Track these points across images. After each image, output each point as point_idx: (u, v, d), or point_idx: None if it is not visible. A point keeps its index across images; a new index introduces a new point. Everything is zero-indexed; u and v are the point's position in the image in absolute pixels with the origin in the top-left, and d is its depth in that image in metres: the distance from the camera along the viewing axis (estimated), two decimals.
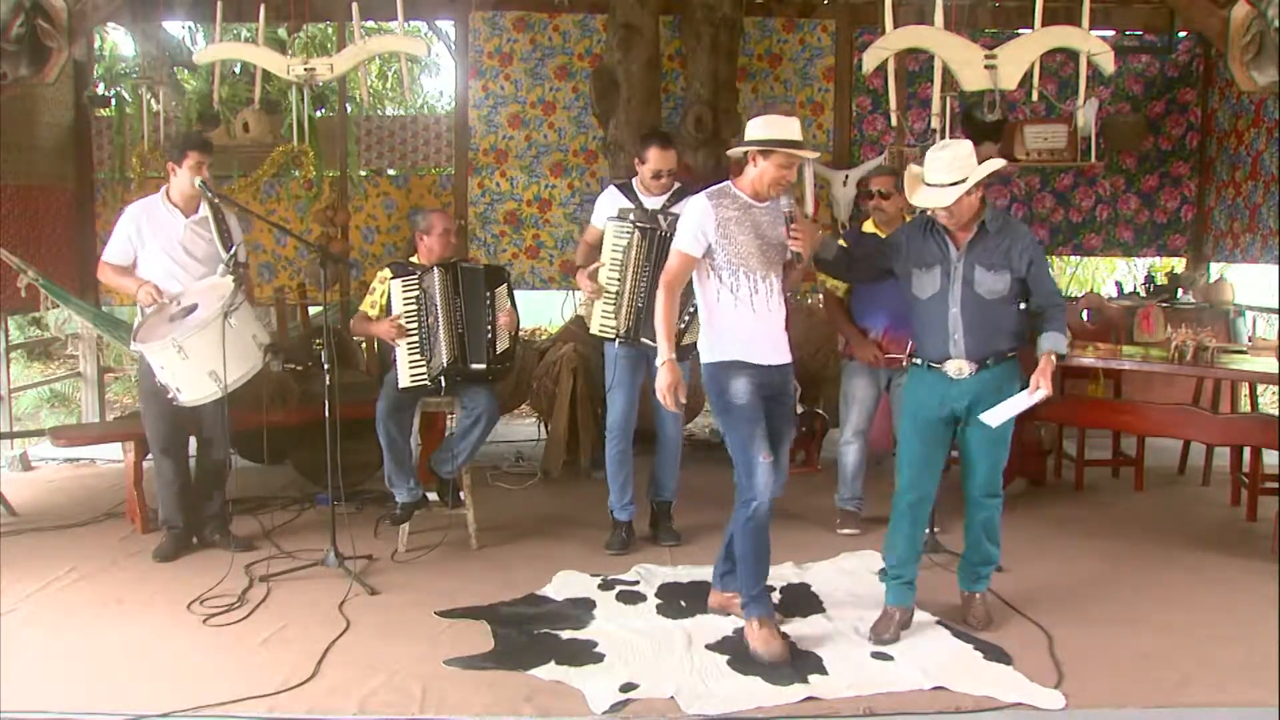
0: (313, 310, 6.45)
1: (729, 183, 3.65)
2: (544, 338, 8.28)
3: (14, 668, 3.38)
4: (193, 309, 4.26)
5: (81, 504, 5.43)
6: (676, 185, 4.54)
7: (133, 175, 6.56)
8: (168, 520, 4.60)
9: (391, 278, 4.55)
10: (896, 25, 4.74)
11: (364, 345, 6.35)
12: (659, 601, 4.01)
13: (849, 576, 4.32)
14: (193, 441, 4.71)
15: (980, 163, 3.59)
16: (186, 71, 8.56)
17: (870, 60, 4.78)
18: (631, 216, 4.49)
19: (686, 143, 6.19)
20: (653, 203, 4.53)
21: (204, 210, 4.53)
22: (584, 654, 3.51)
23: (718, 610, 3.86)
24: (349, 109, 7.40)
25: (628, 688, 3.24)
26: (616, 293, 4.50)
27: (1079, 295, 7.62)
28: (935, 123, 5.08)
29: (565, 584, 4.20)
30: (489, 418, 4.60)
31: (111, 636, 3.69)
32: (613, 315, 4.51)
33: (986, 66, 4.62)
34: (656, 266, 4.35)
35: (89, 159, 7.08)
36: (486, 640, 3.62)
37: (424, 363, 4.50)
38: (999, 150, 6.50)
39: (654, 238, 4.42)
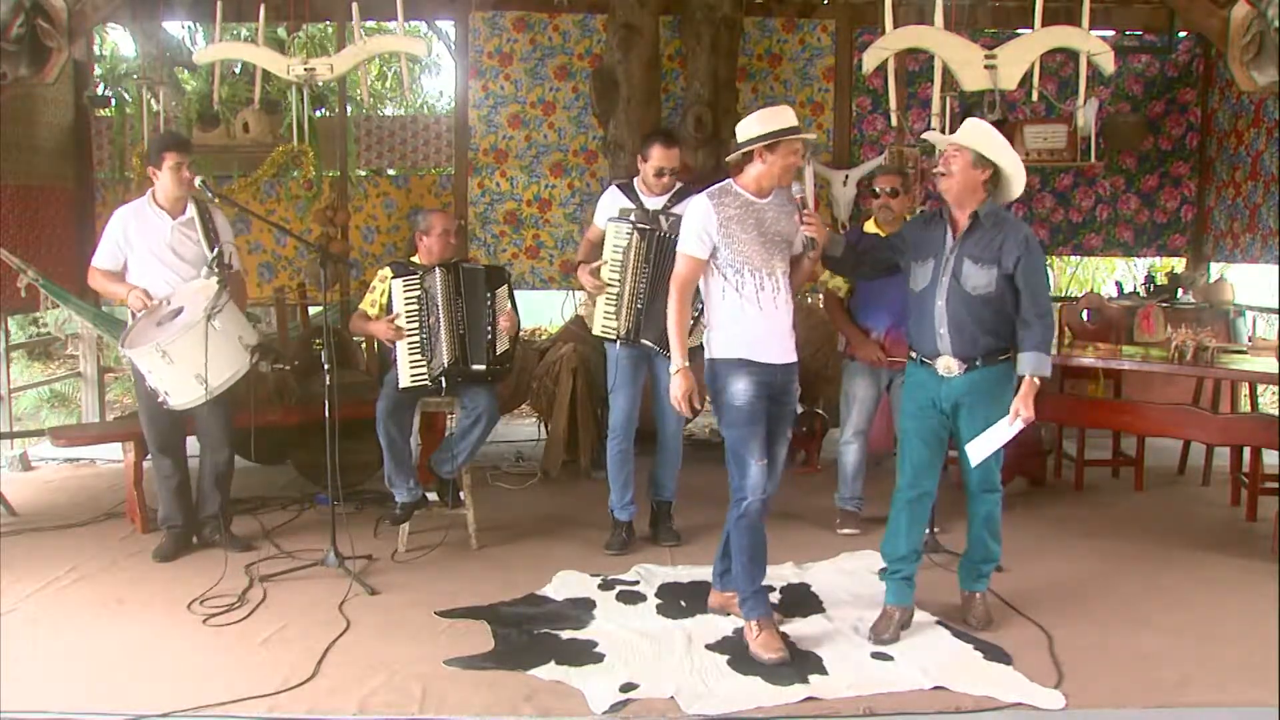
0: (313, 310, 6.45)
1: (730, 181, 3.64)
2: (544, 338, 8.28)
3: (14, 668, 3.38)
4: (179, 312, 4.25)
5: (81, 504, 5.43)
6: (678, 185, 4.54)
7: (133, 175, 6.56)
8: (167, 520, 4.61)
9: (393, 277, 4.55)
10: (896, 25, 4.74)
11: (364, 345, 6.34)
12: (659, 601, 4.01)
13: (849, 576, 4.32)
14: (193, 441, 4.71)
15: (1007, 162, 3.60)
16: (186, 71, 8.56)
17: (870, 60, 4.78)
18: (632, 217, 4.49)
19: (687, 143, 6.17)
20: (653, 203, 4.52)
21: (191, 211, 4.52)
22: (584, 654, 3.51)
23: (718, 610, 3.86)
24: (349, 109, 7.40)
25: (628, 688, 3.24)
26: (617, 294, 4.50)
27: (1079, 295, 7.63)
28: (935, 123, 5.08)
29: (565, 584, 4.20)
30: (489, 418, 4.60)
31: (111, 636, 3.69)
32: (614, 316, 4.51)
33: (986, 66, 4.62)
34: (656, 267, 4.35)
35: (89, 159, 7.08)
36: (486, 640, 3.63)
37: (425, 363, 4.49)
38: None
39: (653, 238, 4.41)
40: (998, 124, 6.09)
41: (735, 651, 3.52)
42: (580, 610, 3.91)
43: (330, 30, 8.92)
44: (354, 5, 5.30)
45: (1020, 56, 4.65)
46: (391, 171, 7.78)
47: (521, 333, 5.22)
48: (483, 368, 4.56)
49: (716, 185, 3.64)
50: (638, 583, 4.22)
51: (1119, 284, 8.04)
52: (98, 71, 7.97)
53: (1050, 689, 3.23)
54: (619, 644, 3.59)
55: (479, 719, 3.09)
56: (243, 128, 6.63)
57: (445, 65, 11.68)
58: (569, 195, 7.22)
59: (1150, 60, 7.45)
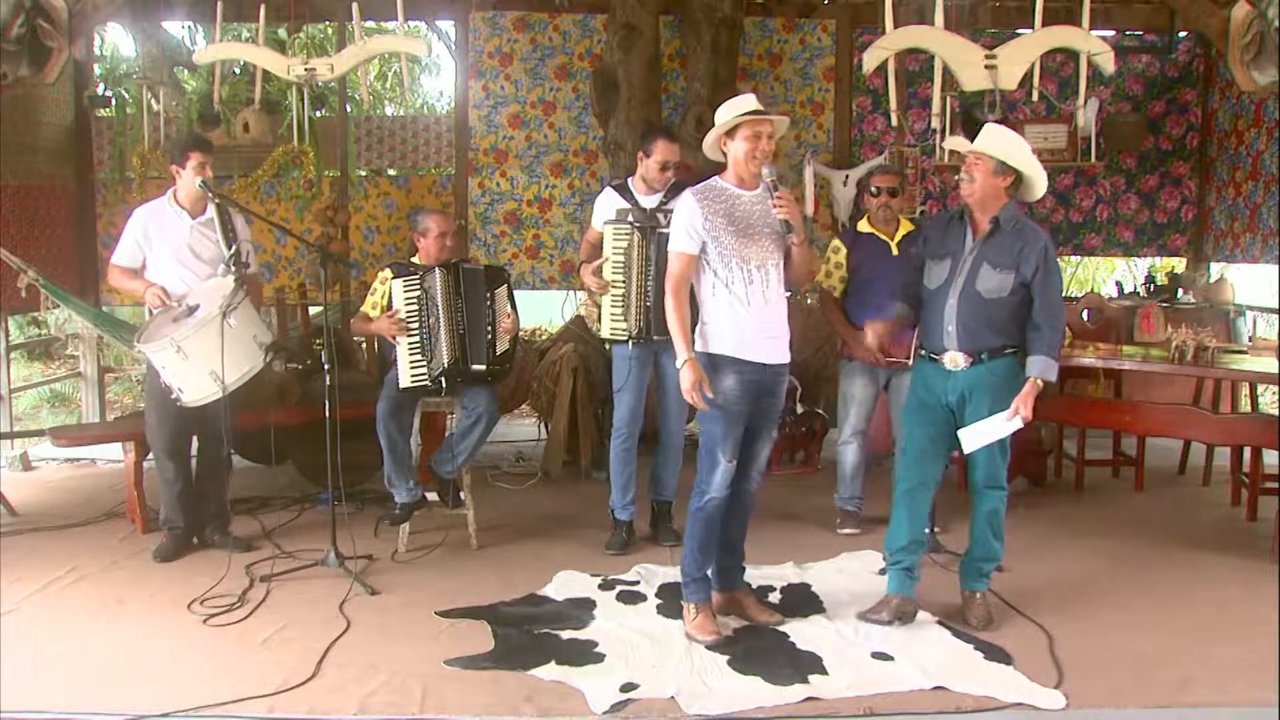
0: (313, 310, 6.45)
1: (716, 177, 3.65)
2: (544, 338, 8.28)
3: (14, 668, 3.38)
4: (195, 309, 4.27)
5: (81, 504, 5.43)
6: (673, 181, 4.55)
7: (133, 175, 6.56)
8: (169, 520, 4.60)
9: (393, 278, 4.55)
10: (896, 25, 4.74)
11: (364, 345, 6.34)
12: (659, 601, 4.01)
13: (849, 576, 4.32)
14: (193, 441, 4.71)
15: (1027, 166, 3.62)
16: (186, 71, 8.56)
17: (870, 60, 4.78)
18: (630, 218, 4.50)
19: (687, 143, 6.16)
20: (649, 201, 4.53)
21: (211, 211, 4.54)
22: (584, 654, 3.51)
23: (718, 609, 3.86)
24: (349, 109, 7.40)
25: (628, 688, 3.24)
26: (623, 294, 4.50)
27: (1079, 295, 7.63)
28: (935, 123, 5.09)
29: (565, 584, 4.20)
30: (489, 418, 4.60)
31: (111, 636, 3.68)
32: (622, 317, 4.52)
33: (986, 66, 4.63)
34: (659, 264, 4.36)
35: (89, 159, 7.09)
36: (487, 640, 3.62)
37: (425, 363, 4.49)
38: None
39: (653, 235, 4.43)
40: (997, 124, 6.09)
41: (735, 651, 3.52)
42: (580, 610, 3.91)
43: (330, 30, 8.93)
44: (354, 5, 5.30)
45: (1020, 56, 4.65)
46: (391, 171, 7.78)
47: (521, 333, 5.22)
48: (483, 368, 4.56)
49: (703, 182, 3.66)
50: (638, 583, 4.22)
51: (1119, 284, 8.05)
52: (98, 71, 7.97)
53: (1050, 689, 3.23)
54: (619, 644, 3.59)
55: (479, 719, 3.09)
56: (243, 128, 6.63)
57: (445, 65, 11.68)
58: (569, 195, 7.23)
59: (1150, 60, 7.45)
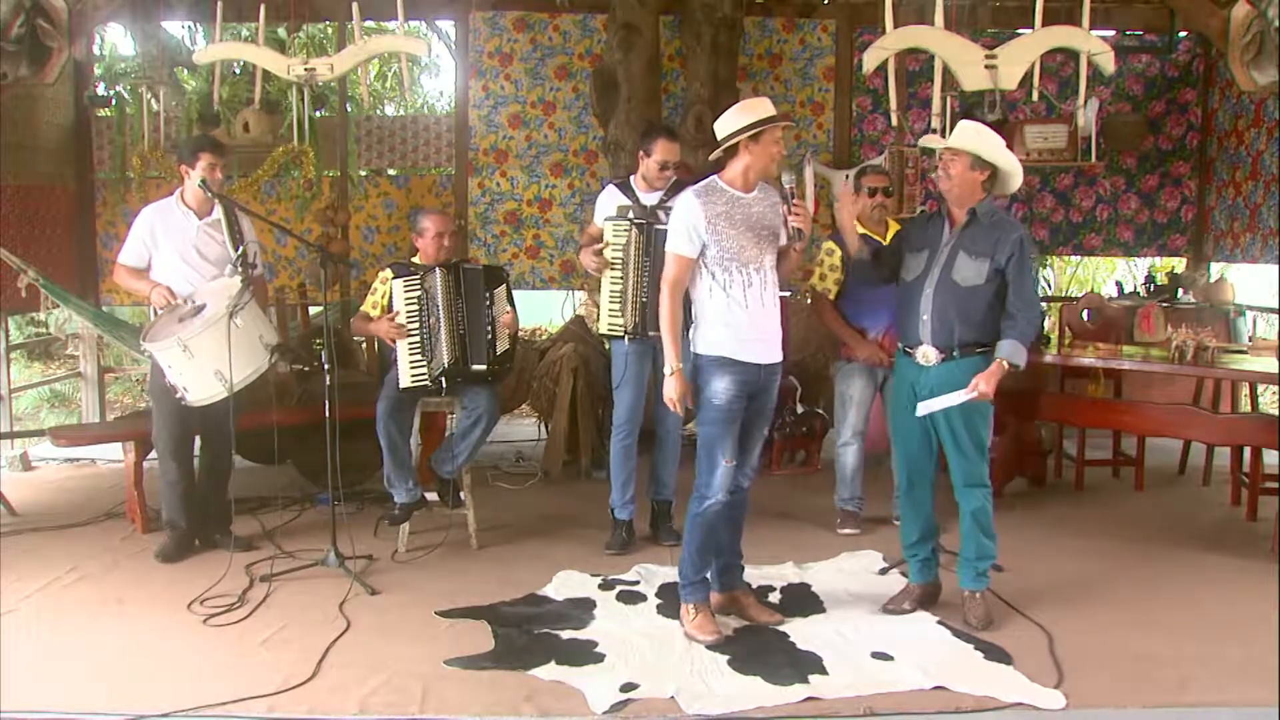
0: (313, 310, 6.45)
1: (715, 177, 3.64)
2: (544, 338, 8.28)
3: (14, 668, 3.38)
4: (202, 309, 4.27)
5: (81, 504, 5.43)
6: (674, 180, 4.55)
7: (133, 175, 6.56)
8: (171, 521, 4.59)
9: (393, 278, 4.55)
10: (896, 25, 4.74)
11: (364, 345, 6.34)
12: (659, 601, 4.01)
13: (849, 576, 4.32)
14: (195, 441, 4.71)
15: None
16: (186, 71, 8.56)
17: (870, 60, 4.78)
18: (630, 214, 4.51)
19: (687, 142, 6.18)
20: (649, 198, 4.53)
21: (218, 212, 4.53)
22: (584, 654, 3.51)
23: (718, 610, 3.86)
24: (349, 109, 7.40)
25: (628, 688, 3.24)
26: (621, 291, 4.51)
27: (1079, 295, 7.63)
28: (935, 123, 5.08)
29: (565, 584, 4.20)
30: (489, 418, 4.60)
31: (111, 636, 3.68)
32: (619, 313, 4.53)
33: (986, 66, 4.62)
34: (657, 260, 4.36)
35: (89, 159, 7.09)
36: (487, 640, 3.62)
37: (425, 363, 4.49)
38: None
39: (651, 232, 4.44)
40: (998, 124, 6.13)
41: (735, 651, 3.52)
42: (580, 610, 3.91)
43: (330, 30, 8.93)
44: (354, 5, 5.30)
45: (1020, 56, 4.65)
46: (391, 171, 7.78)
47: (521, 333, 5.22)
48: (483, 368, 4.56)
49: (701, 183, 3.65)
50: (638, 583, 4.22)
51: (1119, 284, 8.04)
52: (98, 71, 7.97)
53: (1050, 689, 3.23)
54: (619, 644, 3.59)
55: (479, 719, 3.09)
56: (243, 128, 6.63)
57: (445, 65, 11.68)
58: (569, 195, 7.23)
59: (1150, 60, 7.45)
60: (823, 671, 3.37)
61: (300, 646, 3.56)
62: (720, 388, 3.54)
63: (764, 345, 3.61)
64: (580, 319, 6.63)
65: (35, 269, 5.47)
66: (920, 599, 3.91)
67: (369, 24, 7.42)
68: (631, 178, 4.66)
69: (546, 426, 6.20)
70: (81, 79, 6.88)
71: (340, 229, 6.54)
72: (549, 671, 3.36)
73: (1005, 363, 3.61)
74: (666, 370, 3.57)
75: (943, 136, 5.11)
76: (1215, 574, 4.35)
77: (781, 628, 3.73)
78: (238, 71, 7.46)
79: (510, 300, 4.70)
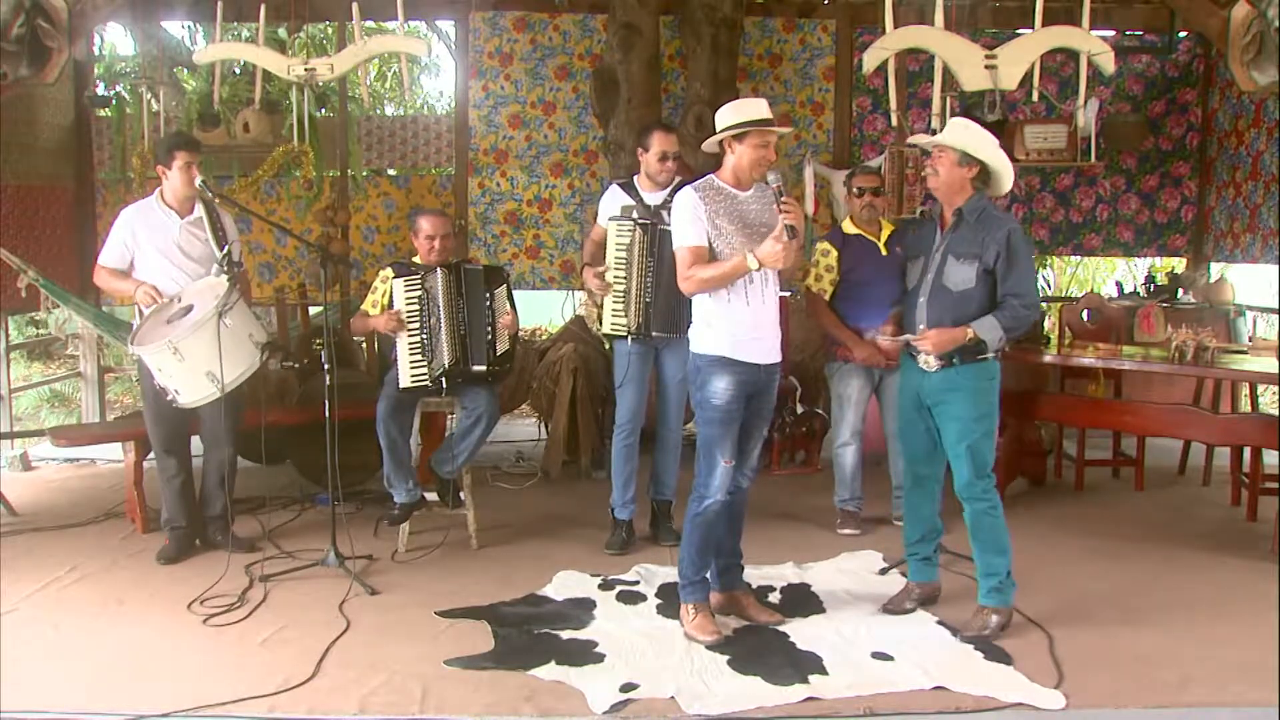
0: (313, 310, 6.45)
1: (712, 176, 3.64)
2: (544, 338, 8.28)
3: (14, 668, 3.38)
4: (189, 310, 4.26)
5: (81, 504, 5.43)
6: (677, 179, 4.55)
7: (133, 175, 6.55)
8: (171, 521, 4.59)
9: (394, 277, 4.55)
10: (896, 25, 4.74)
11: (364, 345, 6.34)
12: (659, 601, 4.01)
13: (849, 576, 4.32)
14: (195, 441, 4.70)
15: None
16: (186, 71, 8.57)
17: (870, 60, 4.78)
18: (634, 214, 4.51)
19: (687, 142, 6.18)
20: (653, 198, 4.53)
21: (199, 211, 4.52)
22: (584, 654, 3.51)
23: (718, 610, 3.86)
24: (349, 109, 7.40)
25: (628, 688, 3.24)
26: (624, 291, 4.52)
27: (1079, 295, 7.62)
28: (935, 123, 5.08)
29: (565, 584, 4.20)
30: (489, 418, 4.60)
31: (111, 636, 3.69)
32: (623, 313, 4.53)
33: (986, 66, 4.62)
34: (661, 261, 4.37)
35: (89, 159, 7.08)
36: (487, 640, 3.62)
37: (425, 363, 4.49)
38: None
39: (655, 233, 4.43)
40: (998, 124, 6.14)
41: (735, 652, 3.52)
42: (580, 610, 3.91)
43: (330, 30, 8.93)
44: (354, 5, 5.30)
45: (1020, 56, 4.65)
46: (392, 171, 7.78)
47: (521, 333, 5.22)
48: (483, 368, 4.56)
49: (699, 180, 3.65)
50: (638, 583, 4.22)
51: (1119, 284, 8.04)
52: (98, 71, 7.97)
53: (1050, 689, 3.23)
54: (619, 644, 3.59)
55: (479, 719, 3.09)
56: (243, 128, 6.63)
57: (445, 65, 11.69)
58: (569, 195, 7.22)
59: (1150, 60, 7.45)
60: (823, 671, 3.37)
61: (300, 646, 3.56)
62: (719, 388, 3.54)
63: (763, 345, 3.60)
64: (580, 319, 6.63)
65: (35, 269, 5.47)
66: (921, 598, 3.92)
67: (369, 24, 7.43)
68: (635, 178, 4.66)
69: (546, 426, 6.20)
70: (81, 79, 6.87)
71: (340, 229, 6.53)
72: (549, 671, 3.36)
73: (971, 331, 3.56)
74: (760, 252, 3.44)
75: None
76: (1215, 574, 4.35)
77: (781, 628, 3.73)
78: (238, 71, 7.48)
79: (511, 301, 4.70)
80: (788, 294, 3.76)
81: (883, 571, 4.37)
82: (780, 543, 4.68)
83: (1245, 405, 6.22)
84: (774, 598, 4.05)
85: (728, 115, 3.57)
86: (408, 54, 5.52)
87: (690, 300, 3.68)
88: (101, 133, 7.14)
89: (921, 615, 3.85)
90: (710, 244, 3.54)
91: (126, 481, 5.00)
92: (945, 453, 3.76)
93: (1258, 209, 6.91)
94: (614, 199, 4.64)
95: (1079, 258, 9.92)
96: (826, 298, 4.95)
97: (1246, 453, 5.18)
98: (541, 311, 9.44)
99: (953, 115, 5.91)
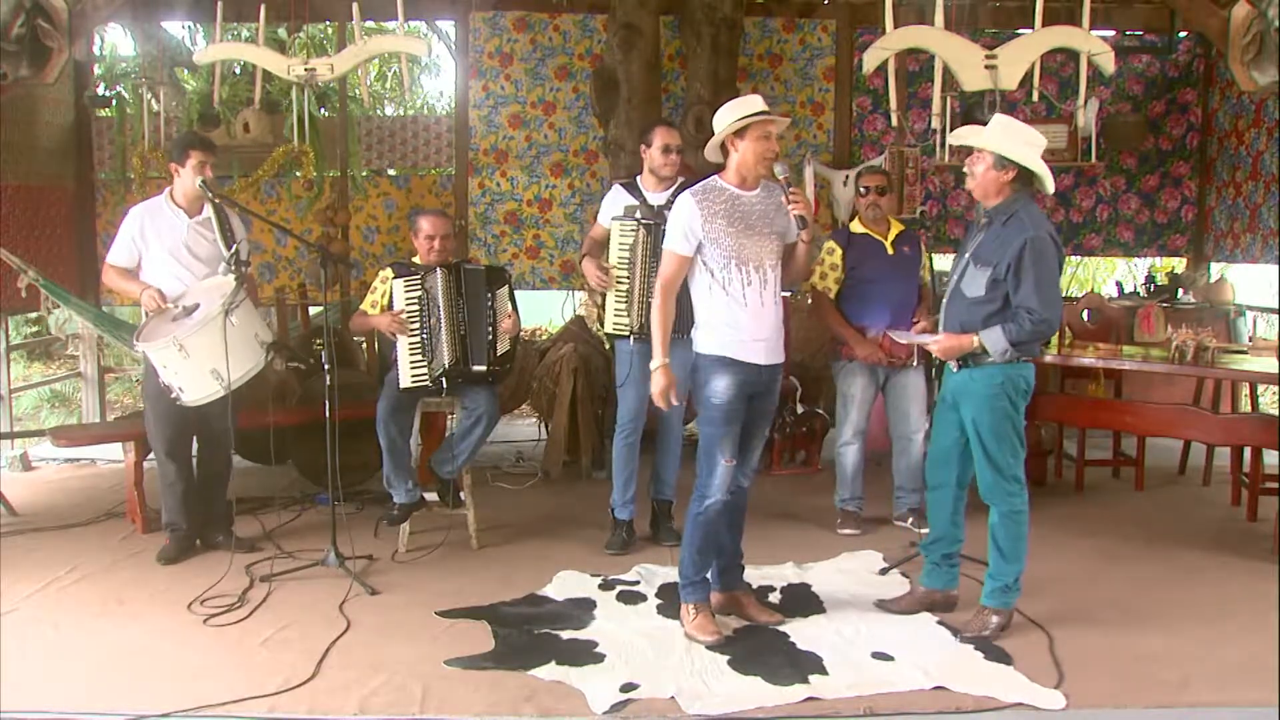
0: (313, 310, 6.45)
1: (715, 177, 3.64)
2: (544, 338, 8.28)
3: (14, 668, 3.38)
4: (195, 308, 4.26)
5: (81, 504, 5.43)
6: (680, 179, 4.55)
7: (133, 175, 6.56)
8: (171, 523, 4.58)
9: (394, 278, 4.55)
10: (896, 25, 4.74)
11: (364, 345, 6.34)
12: (659, 601, 4.01)
13: (849, 576, 4.32)
14: (195, 442, 4.70)
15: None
16: (186, 71, 8.56)
17: (870, 60, 4.78)
18: (637, 214, 4.51)
19: (687, 142, 6.16)
20: (657, 198, 4.53)
21: (208, 211, 4.52)
22: (584, 654, 3.51)
23: (718, 610, 3.86)
24: (349, 109, 7.40)
25: (628, 688, 3.24)
26: (627, 290, 4.52)
27: (1079, 295, 7.62)
28: (935, 123, 5.08)
29: (565, 584, 4.20)
30: (489, 418, 4.60)
31: (111, 636, 3.68)
32: (625, 313, 4.53)
33: (986, 66, 4.62)
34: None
35: (89, 159, 7.08)
36: (487, 640, 3.62)
37: (425, 363, 4.49)
38: None
39: (658, 233, 4.43)
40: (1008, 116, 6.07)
41: (735, 652, 3.52)
42: (580, 610, 3.91)
43: (330, 30, 8.93)
44: (354, 5, 5.30)
45: (1020, 56, 4.65)
46: (392, 171, 7.78)
47: (521, 333, 5.22)
48: (483, 368, 4.56)
49: (702, 181, 3.65)
50: (638, 583, 4.22)
51: (1119, 284, 8.04)
52: (98, 71, 7.97)
53: (1050, 689, 3.23)
54: (619, 644, 3.59)
55: (479, 719, 3.09)
56: (243, 128, 6.63)
57: (445, 65, 11.69)
58: (569, 195, 7.22)
59: (1150, 60, 7.45)
60: (823, 671, 3.37)
61: (300, 646, 3.56)
62: (720, 387, 3.54)
63: (765, 346, 3.60)
64: (580, 319, 6.63)
65: (35, 269, 5.46)
66: (923, 601, 3.86)
67: (369, 24, 7.42)
68: (638, 178, 4.66)
69: (546, 426, 6.20)
70: (81, 79, 6.87)
71: (340, 229, 6.54)
72: (549, 672, 3.36)
73: (976, 340, 3.55)
74: (653, 365, 3.58)
75: (941, 137, 5.12)
76: (1215, 574, 4.35)
77: (781, 628, 3.73)
78: (238, 71, 7.48)
79: (513, 303, 4.70)
80: (787, 294, 3.76)
81: (883, 571, 4.37)
82: (780, 543, 4.68)
83: (1245, 405, 6.22)
84: (774, 598, 4.05)
85: (725, 115, 3.58)
86: (408, 54, 5.52)
87: (692, 301, 3.68)
88: (101, 133, 7.14)
89: (922, 616, 3.84)
90: (704, 248, 3.54)
91: (126, 482, 5.00)
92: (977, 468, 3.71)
93: (1258, 209, 6.91)
94: (617, 199, 4.64)
95: (1079, 258, 9.91)
96: (831, 296, 4.95)
97: (1247, 453, 5.18)
98: (541, 311, 9.44)
99: (953, 115, 5.94)
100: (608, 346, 5.92)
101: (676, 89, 7.00)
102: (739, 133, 3.55)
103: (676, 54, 6.95)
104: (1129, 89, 7.44)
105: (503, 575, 4.31)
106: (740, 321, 3.55)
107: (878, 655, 3.51)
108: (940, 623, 3.79)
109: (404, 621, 3.81)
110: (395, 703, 3.16)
